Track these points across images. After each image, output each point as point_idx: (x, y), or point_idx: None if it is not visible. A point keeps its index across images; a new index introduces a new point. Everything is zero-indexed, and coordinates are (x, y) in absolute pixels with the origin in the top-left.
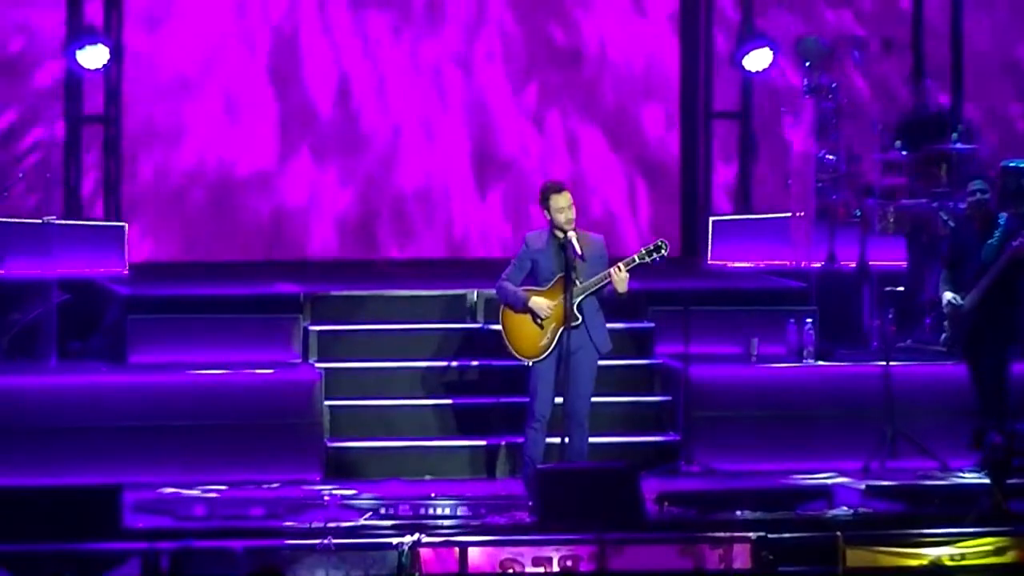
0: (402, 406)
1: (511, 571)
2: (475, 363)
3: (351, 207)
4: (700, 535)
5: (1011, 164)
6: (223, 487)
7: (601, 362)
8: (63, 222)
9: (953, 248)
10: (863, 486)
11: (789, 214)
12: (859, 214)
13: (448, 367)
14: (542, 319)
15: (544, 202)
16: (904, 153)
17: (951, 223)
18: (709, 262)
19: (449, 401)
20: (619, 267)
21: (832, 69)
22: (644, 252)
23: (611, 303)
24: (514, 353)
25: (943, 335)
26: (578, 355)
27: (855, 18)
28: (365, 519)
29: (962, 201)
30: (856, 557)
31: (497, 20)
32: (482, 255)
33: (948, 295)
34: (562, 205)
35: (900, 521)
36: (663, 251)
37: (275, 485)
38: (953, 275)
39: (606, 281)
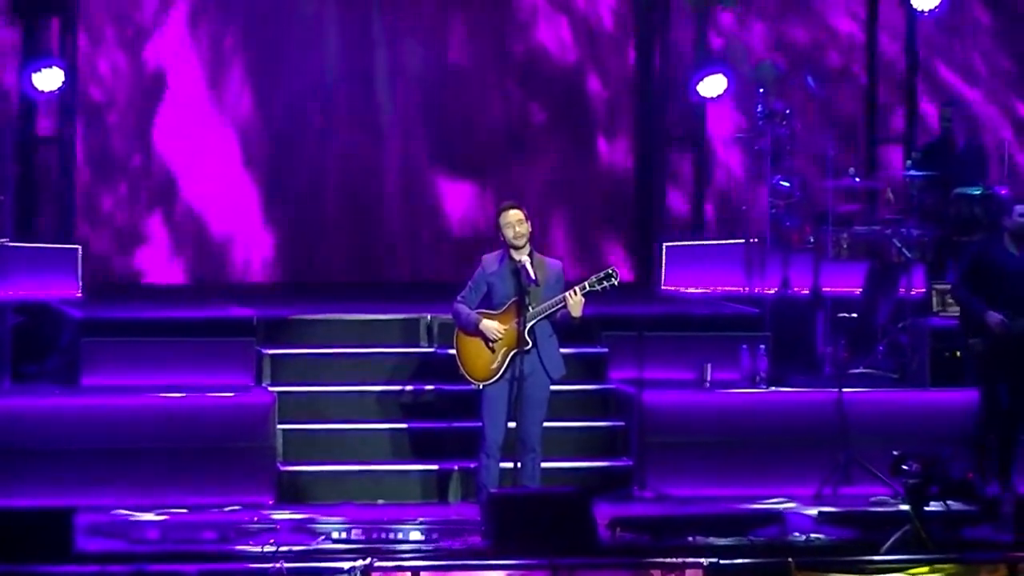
0: (355, 430)
1: None
2: (429, 387)
3: (308, 231)
4: (653, 560)
5: (963, 191)
6: (176, 510)
7: (554, 387)
8: (17, 244)
9: (983, 266)
10: (815, 512)
11: (743, 240)
12: (813, 240)
13: (401, 391)
14: (493, 342)
15: (496, 221)
16: (858, 179)
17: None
18: (663, 288)
19: (402, 425)
20: (575, 291)
21: (786, 95)
22: (595, 280)
23: (566, 327)
24: (466, 377)
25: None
26: (530, 380)
27: (811, 44)
28: (317, 543)
29: (915, 228)
30: None
31: (453, 31)
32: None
33: (994, 314)
34: (510, 221)
35: (852, 547)
36: (613, 279)
37: (227, 509)
38: (978, 293)
39: (560, 305)
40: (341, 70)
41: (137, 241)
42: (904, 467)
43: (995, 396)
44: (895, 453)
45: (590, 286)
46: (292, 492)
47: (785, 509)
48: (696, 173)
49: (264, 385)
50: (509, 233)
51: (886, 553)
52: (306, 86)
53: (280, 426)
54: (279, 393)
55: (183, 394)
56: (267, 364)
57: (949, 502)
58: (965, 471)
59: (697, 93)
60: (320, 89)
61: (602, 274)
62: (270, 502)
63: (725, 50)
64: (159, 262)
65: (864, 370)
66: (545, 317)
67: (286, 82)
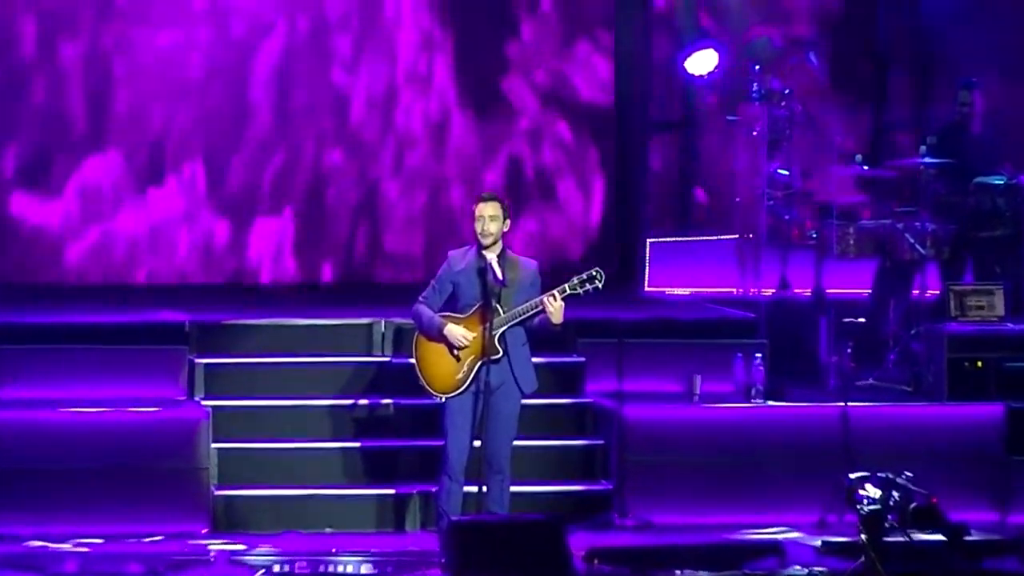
0: (300, 449)
1: None
2: (384, 401)
3: (248, 225)
4: None
5: (984, 181)
6: (97, 540)
7: (525, 401)
8: None
9: None
10: (818, 542)
11: (736, 235)
12: (815, 236)
13: (353, 405)
14: (459, 350)
15: (472, 210)
16: (866, 168)
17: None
18: (646, 289)
19: (354, 444)
20: (554, 295)
21: (785, 73)
22: (576, 282)
23: (543, 335)
24: (426, 387)
25: None
26: (498, 393)
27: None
28: None
29: (930, 221)
30: None
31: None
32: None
33: None
34: (481, 214)
35: None
36: (598, 282)
37: (156, 538)
38: None
39: (536, 310)
40: (283, 65)
41: (55, 238)
42: (861, 492)
43: None
44: (851, 477)
45: (571, 289)
46: (229, 519)
47: (784, 539)
48: (683, 160)
49: (197, 399)
50: (477, 227)
51: None
52: (245, 80)
53: (215, 445)
54: (214, 408)
55: (106, 409)
56: (200, 375)
57: (910, 531)
58: (929, 496)
59: (685, 71)
60: (257, 80)
61: (585, 275)
62: (204, 531)
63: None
64: (80, 261)
65: (873, 382)
66: (518, 323)
67: (219, 75)
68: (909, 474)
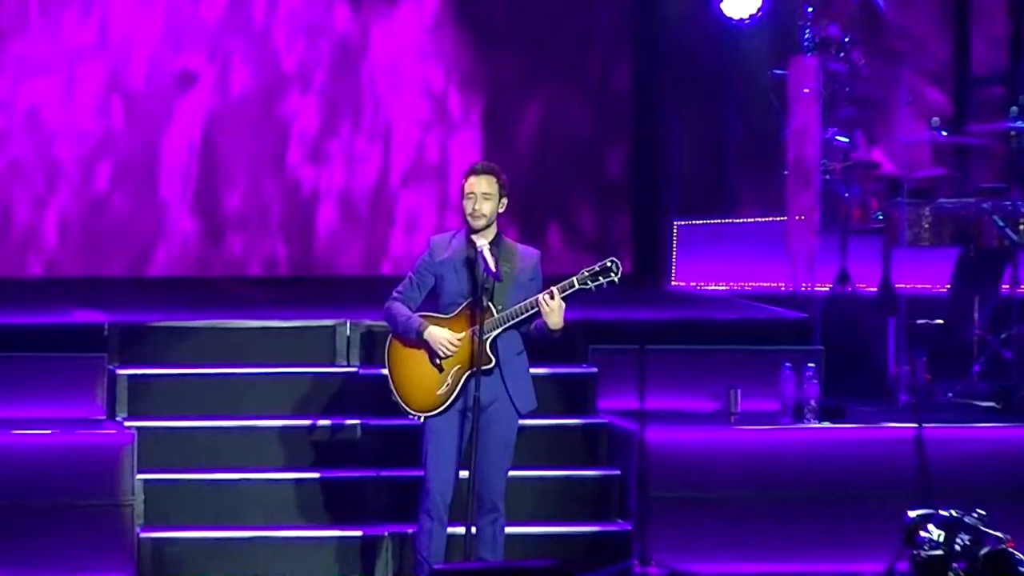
0: (246, 481)
1: None
2: (349, 422)
3: (186, 209)
4: None
5: None
6: None
7: (522, 422)
8: None
9: None
10: None
11: (784, 217)
12: (882, 218)
13: (311, 427)
14: (441, 358)
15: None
16: (944, 134)
17: None
18: (672, 283)
19: (312, 475)
20: (552, 293)
21: (845, 17)
22: (587, 275)
23: (542, 343)
24: (402, 404)
25: None
26: (490, 412)
27: None
28: None
29: (1022, 201)
30: None
31: None
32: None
33: None
34: (472, 190)
35: None
36: (613, 275)
37: None
38: None
39: (531, 311)
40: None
41: None
42: (922, 533)
43: None
44: (911, 515)
45: (580, 283)
46: (157, 566)
47: None
48: (717, 124)
49: (119, 419)
50: (467, 207)
51: None
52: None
53: (141, 476)
54: (139, 430)
55: (6, 431)
56: (123, 389)
57: None
58: (1004, 539)
59: (721, 13)
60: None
61: (598, 267)
62: None
63: None
64: None
65: (952, 398)
66: (513, 326)
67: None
68: (981, 512)
